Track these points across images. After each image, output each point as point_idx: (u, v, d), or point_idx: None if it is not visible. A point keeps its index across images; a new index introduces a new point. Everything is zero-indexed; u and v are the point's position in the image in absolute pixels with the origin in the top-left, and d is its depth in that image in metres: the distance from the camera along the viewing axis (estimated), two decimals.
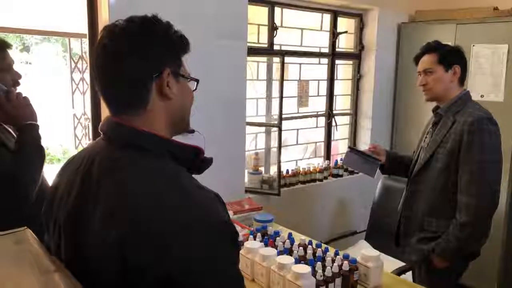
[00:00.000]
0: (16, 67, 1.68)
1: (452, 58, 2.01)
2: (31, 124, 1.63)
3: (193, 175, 0.91)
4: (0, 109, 1.57)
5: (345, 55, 3.58)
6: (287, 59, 2.98)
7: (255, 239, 1.92)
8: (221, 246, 0.82)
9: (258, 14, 2.94)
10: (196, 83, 0.99)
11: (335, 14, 3.39)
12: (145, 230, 0.77)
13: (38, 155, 1.63)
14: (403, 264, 2.41)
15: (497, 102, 3.00)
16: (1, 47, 1.57)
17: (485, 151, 1.85)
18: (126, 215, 0.78)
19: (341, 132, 3.68)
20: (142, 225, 0.77)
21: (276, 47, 3.06)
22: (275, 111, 3.05)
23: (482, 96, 3.05)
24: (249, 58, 2.76)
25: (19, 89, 1.67)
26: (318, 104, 3.51)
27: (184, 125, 1.00)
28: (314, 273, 1.62)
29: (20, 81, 1.67)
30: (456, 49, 2.06)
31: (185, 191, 0.83)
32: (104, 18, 2.17)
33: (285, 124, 3.05)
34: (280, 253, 1.78)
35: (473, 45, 3.12)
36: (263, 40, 3.01)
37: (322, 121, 3.55)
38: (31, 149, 1.59)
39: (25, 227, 0.97)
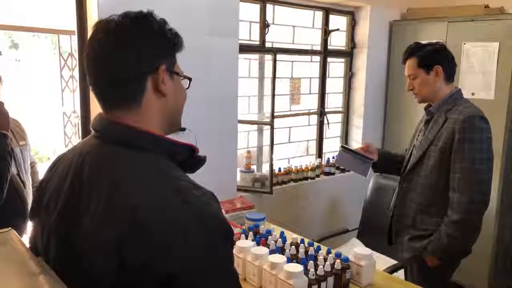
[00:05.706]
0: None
1: (431, 59, 1.99)
2: (4, 134, 1.64)
3: (187, 174, 0.90)
4: None
5: (337, 53, 3.58)
6: (279, 56, 2.97)
7: (247, 238, 1.91)
8: (220, 245, 0.82)
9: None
10: (189, 81, 0.98)
11: (327, 11, 3.39)
12: (144, 230, 0.75)
13: (8, 163, 1.64)
14: (395, 262, 2.41)
15: (488, 100, 3.01)
16: None
17: (476, 149, 1.86)
18: (123, 215, 0.77)
19: (333, 130, 3.68)
20: (141, 225, 0.76)
21: (268, 45, 3.05)
22: (267, 109, 3.04)
23: (473, 94, 3.06)
24: (240, 56, 2.74)
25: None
26: (310, 102, 3.51)
27: (177, 124, 0.99)
28: (306, 272, 1.61)
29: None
30: (436, 49, 2.02)
31: (183, 191, 0.81)
32: (92, 14, 2.14)
33: (277, 122, 3.04)
34: (272, 252, 1.77)
35: (464, 43, 3.13)
36: (255, 37, 3.00)
37: (314, 119, 3.54)
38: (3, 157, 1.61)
39: (10, 228, 0.94)
